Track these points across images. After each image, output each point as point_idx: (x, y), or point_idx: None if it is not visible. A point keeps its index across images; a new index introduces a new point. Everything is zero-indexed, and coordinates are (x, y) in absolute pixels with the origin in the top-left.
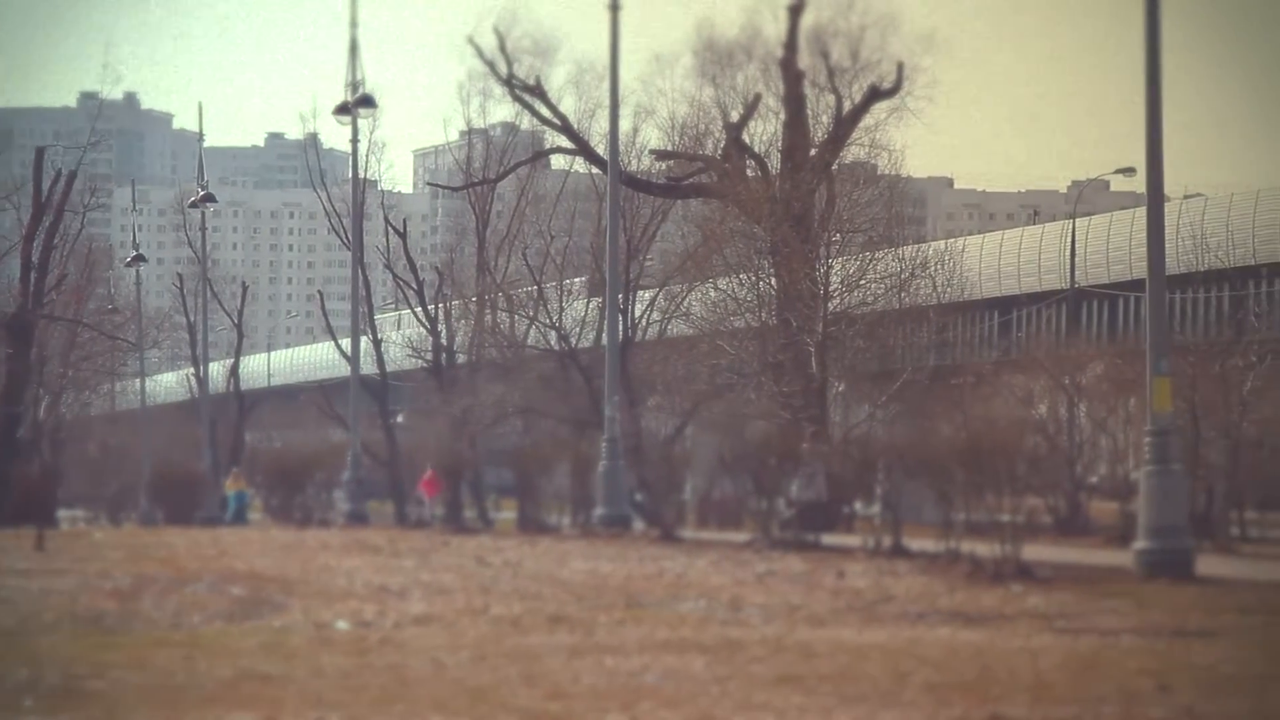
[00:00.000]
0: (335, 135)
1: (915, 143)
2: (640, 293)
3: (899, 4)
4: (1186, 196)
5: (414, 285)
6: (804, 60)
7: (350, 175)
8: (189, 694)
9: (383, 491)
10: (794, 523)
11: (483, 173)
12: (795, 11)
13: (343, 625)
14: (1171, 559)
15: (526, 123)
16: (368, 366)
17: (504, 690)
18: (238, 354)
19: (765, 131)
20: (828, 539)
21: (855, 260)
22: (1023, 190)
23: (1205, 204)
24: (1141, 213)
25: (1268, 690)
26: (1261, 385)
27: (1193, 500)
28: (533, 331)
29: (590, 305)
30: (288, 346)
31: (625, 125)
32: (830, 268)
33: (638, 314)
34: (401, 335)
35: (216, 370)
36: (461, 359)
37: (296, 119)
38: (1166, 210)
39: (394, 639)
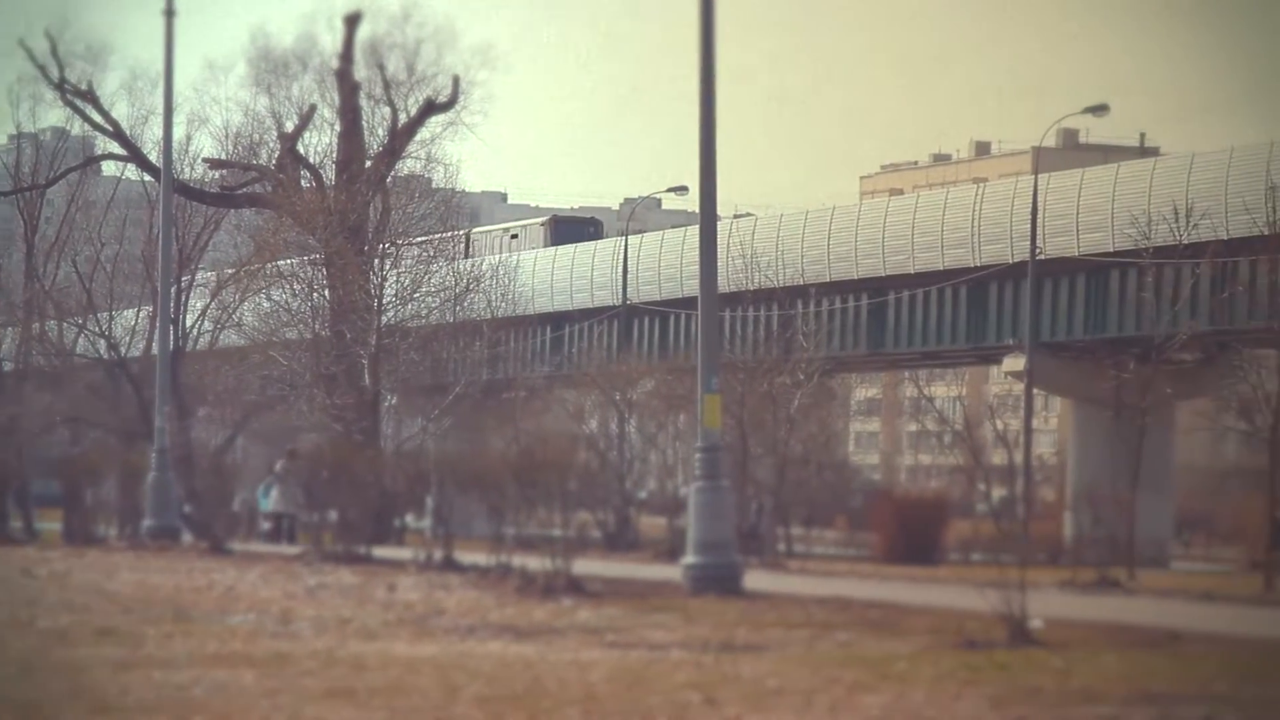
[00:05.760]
0: None
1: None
2: (192, 302)
3: (456, 17)
4: (737, 215)
5: None
6: (360, 72)
7: None
8: None
9: None
10: (269, 534)
11: (32, 178)
12: (351, 22)
13: None
14: (720, 574)
15: (78, 128)
16: None
17: (50, 705)
18: None
19: (320, 142)
20: (379, 552)
21: (409, 273)
22: (577, 206)
23: (755, 223)
24: (693, 231)
25: (812, 703)
26: (808, 403)
27: (741, 516)
28: (82, 340)
29: (140, 314)
30: None
31: (179, 133)
32: (384, 280)
33: (189, 323)
34: None
35: None
36: (8, 367)
37: None
38: (718, 229)
39: None
